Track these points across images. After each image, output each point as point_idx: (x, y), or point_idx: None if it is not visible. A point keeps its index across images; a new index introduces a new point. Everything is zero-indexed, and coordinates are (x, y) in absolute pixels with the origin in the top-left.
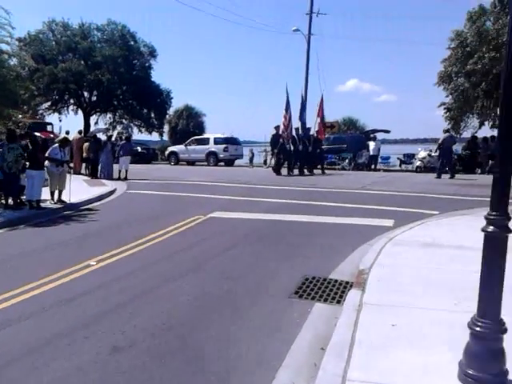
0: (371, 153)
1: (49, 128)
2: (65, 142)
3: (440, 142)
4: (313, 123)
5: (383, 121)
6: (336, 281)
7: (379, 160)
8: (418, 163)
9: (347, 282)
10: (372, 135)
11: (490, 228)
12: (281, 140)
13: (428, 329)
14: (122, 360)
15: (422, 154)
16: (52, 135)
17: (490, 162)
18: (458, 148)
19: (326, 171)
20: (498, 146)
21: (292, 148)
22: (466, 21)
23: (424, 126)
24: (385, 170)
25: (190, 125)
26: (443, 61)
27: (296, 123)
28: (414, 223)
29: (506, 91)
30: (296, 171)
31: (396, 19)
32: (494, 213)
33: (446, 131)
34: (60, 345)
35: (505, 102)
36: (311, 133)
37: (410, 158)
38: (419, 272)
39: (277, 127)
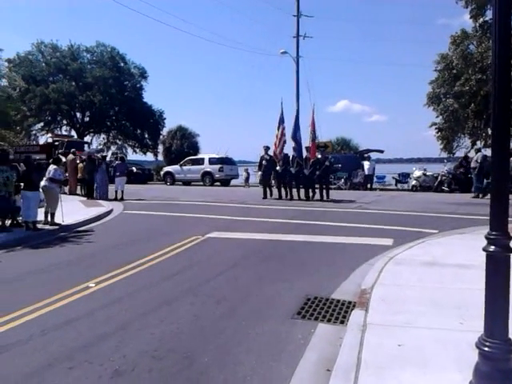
0: (366, 172)
1: (86, 147)
2: (60, 162)
3: (480, 160)
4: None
5: (376, 140)
6: (338, 301)
7: (375, 179)
8: (414, 182)
9: (350, 302)
10: (366, 155)
11: (492, 248)
12: (263, 162)
13: (435, 349)
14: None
15: (417, 173)
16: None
17: (485, 181)
18: (450, 168)
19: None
20: (493, 165)
21: (284, 169)
22: (449, 44)
23: (417, 145)
24: (381, 189)
25: (184, 145)
26: (431, 82)
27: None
28: (413, 242)
29: (496, 112)
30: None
31: (383, 42)
32: (494, 232)
33: (478, 150)
34: (61, 369)
35: (495, 123)
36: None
37: (405, 177)
38: (422, 291)
39: (266, 148)
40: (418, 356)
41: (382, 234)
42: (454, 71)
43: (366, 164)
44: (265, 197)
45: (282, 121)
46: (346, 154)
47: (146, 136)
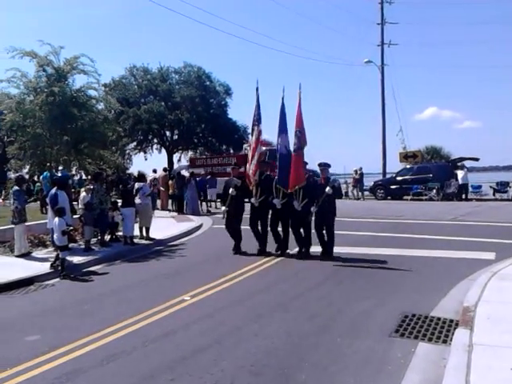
0: (460, 182)
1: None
2: (143, 178)
3: None
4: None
5: (468, 148)
6: (439, 319)
7: (470, 189)
8: None
9: (451, 320)
10: (460, 163)
11: None
12: (231, 191)
13: None
14: None
15: None
16: None
17: None
18: None
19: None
20: None
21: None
22: None
23: None
24: (477, 200)
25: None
26: None
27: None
28: None
29: None
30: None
31: (473, 44)
32: None
33: None
34: (163, 380)
35: None
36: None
37: (504, 186)
38: None
39: (234, 166)
40: None
41: (483, 247)
42: None
43: (460, 173)
44: (237, 250)
45: (258, 119)
46: (437, 163)
47: (231, 151)
